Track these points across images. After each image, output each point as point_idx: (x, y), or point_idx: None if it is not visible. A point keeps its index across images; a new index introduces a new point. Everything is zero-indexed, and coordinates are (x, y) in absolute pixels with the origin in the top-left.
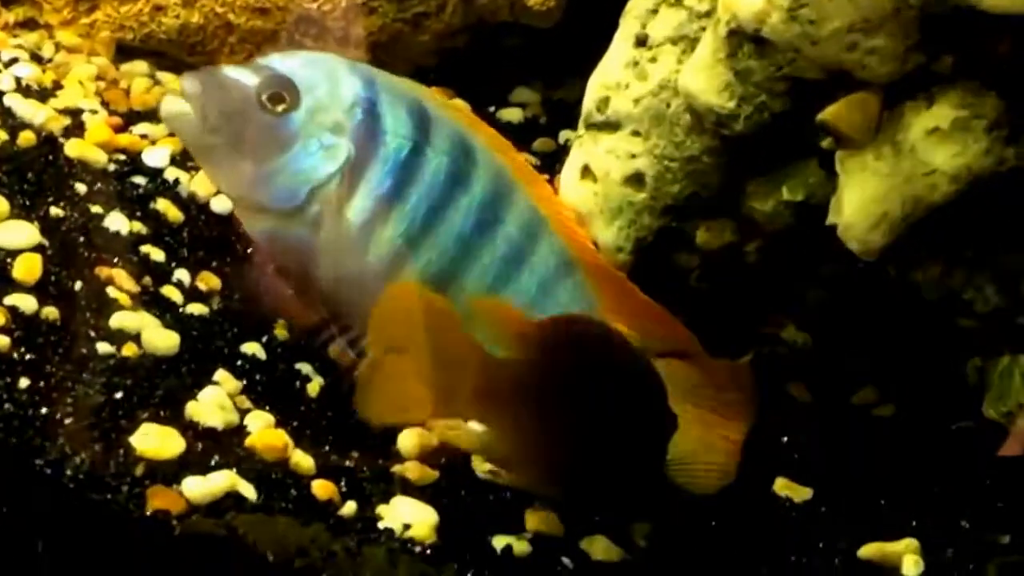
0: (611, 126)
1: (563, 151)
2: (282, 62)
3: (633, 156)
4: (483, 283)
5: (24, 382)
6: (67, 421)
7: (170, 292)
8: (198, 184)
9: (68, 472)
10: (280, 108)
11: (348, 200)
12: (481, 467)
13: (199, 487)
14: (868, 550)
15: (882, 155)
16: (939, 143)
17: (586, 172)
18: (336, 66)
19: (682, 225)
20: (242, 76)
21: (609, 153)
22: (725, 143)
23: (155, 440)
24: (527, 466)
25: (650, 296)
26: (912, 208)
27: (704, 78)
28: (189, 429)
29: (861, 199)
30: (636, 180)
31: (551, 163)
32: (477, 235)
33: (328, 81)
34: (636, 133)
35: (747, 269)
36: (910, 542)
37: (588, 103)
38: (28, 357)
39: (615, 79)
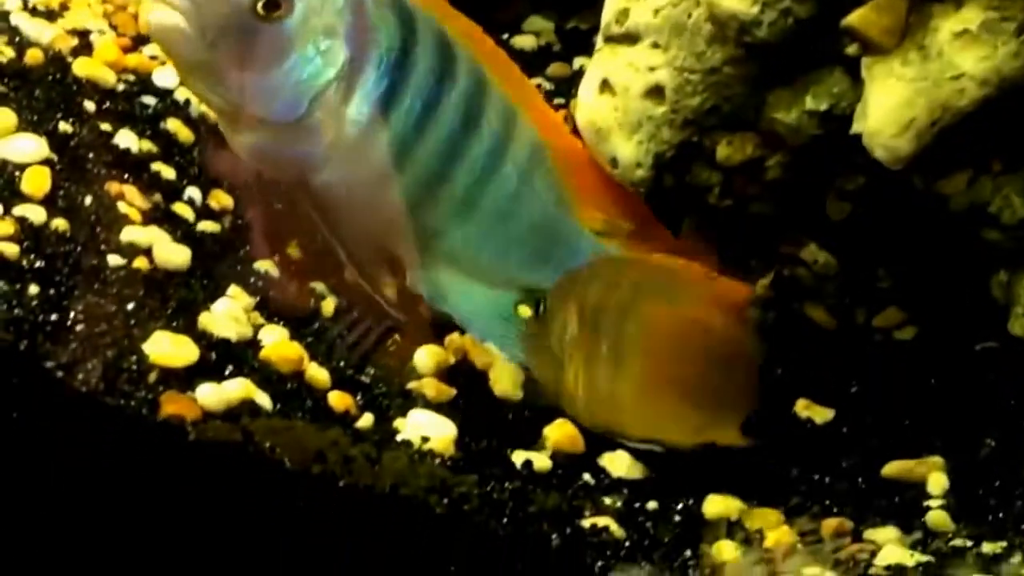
0: (630, 38)
1: (577, 76)
2: None
3: (653, 69)
4: (472, 177)
5: (34, 289)
6: (78, 328)
7: (181, 209)
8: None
9: (80, 376)
10: (275, 15)
11: (347, 105)
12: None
13: (214, 394)
14: (892, 468)
15: (909, 60)
16: (967, 46)
17: (604, 86)
18: None
19: (703, 139)
20: None
21: (628, 66)
22: (747, 52)
23: (168, 347)
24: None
25: (671, 214)
26: (940, 114)
27: None
28: (203, 339)
29: (887, 106)
30: (656, 93)
31: (566, 88)
32: (464, 130)
33: None
34: (656, 45)
35: (769, 185)
36: (935, 460)
37: (607, 15)
38: (38, 265)
39: None
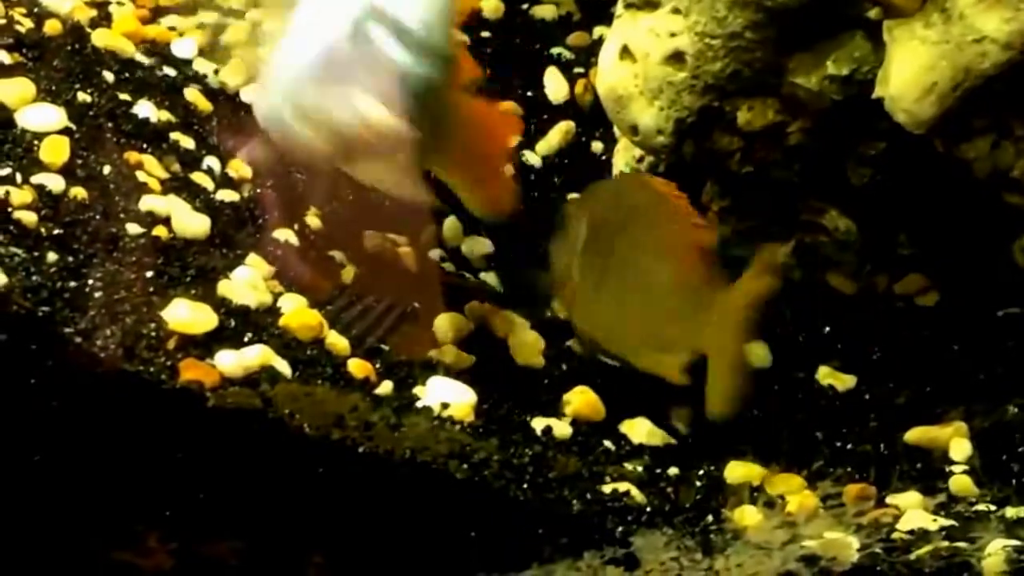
0: (651, 4)
1: (597, 46)
2: None
3: (673, 34)
4: None
5: (52, 256)
6: (96, 295)
7: (200, 178)
8: (227, 75)
9: (98, 343)
10: None
11: None
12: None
13: (233, 360)
14: (915, 434)
15: (931, 23)
16: (989, 9)
17: (625, 53)
18: None
19: (724, 105)
20: None
21: (649, 32)
22: (769, 16)
23: (187, 314)
24: None
25: (692, 181)
26: (962, 77)
27: None
28: (222, 307)
29: (909, 69)
30: (676, 59)
31: (586, 57)
32: None
33: None
34: (676, 11)
35: (790, 151)
36: (958, 426)
37: None
38: (56, 233)
39: None
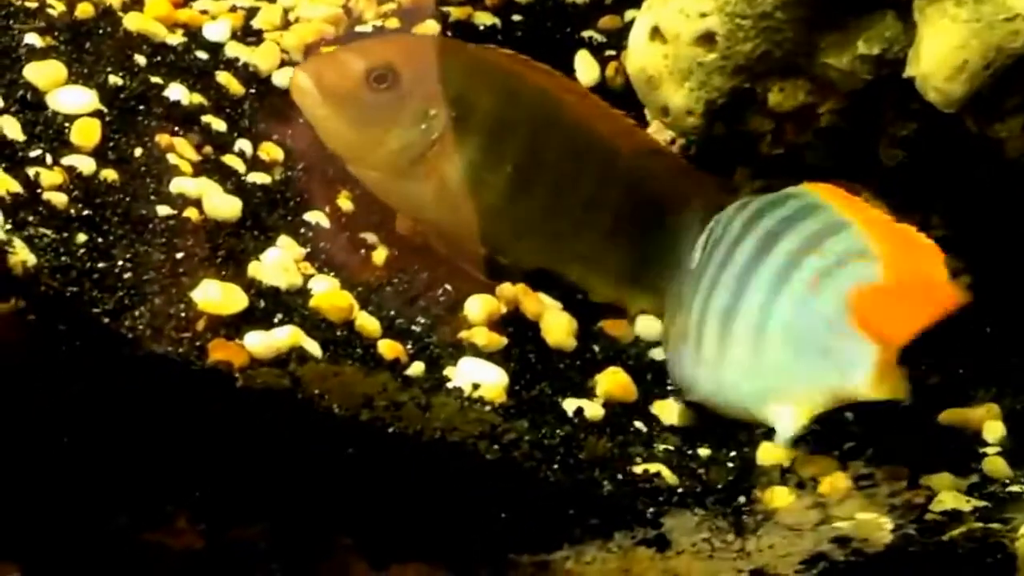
0: None
1: (628, 29)
2: None
3: (704, 15)
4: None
5: (81, 237)
6: (126, 276)
7: (232, 161)
8: (260, 58)
9: (127, 323)
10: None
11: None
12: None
13: (262, 341)
14: (948, 415)
15: (962, 1)
16: None
17: (655, 34)
18: None
19: (754, 86)
20: None
21: (679, 13)
22: None
23: (217, 295)
24: None
25: (722, 164)
26: (994, 56)
27: None
28: (252, 288)
29: (941, 48)
30: (707, 39)
31: (617, 41)
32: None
33: None
34: None
35: (821, 132)
36: (991, 407)
37: None
38: (86, 213)
39: None
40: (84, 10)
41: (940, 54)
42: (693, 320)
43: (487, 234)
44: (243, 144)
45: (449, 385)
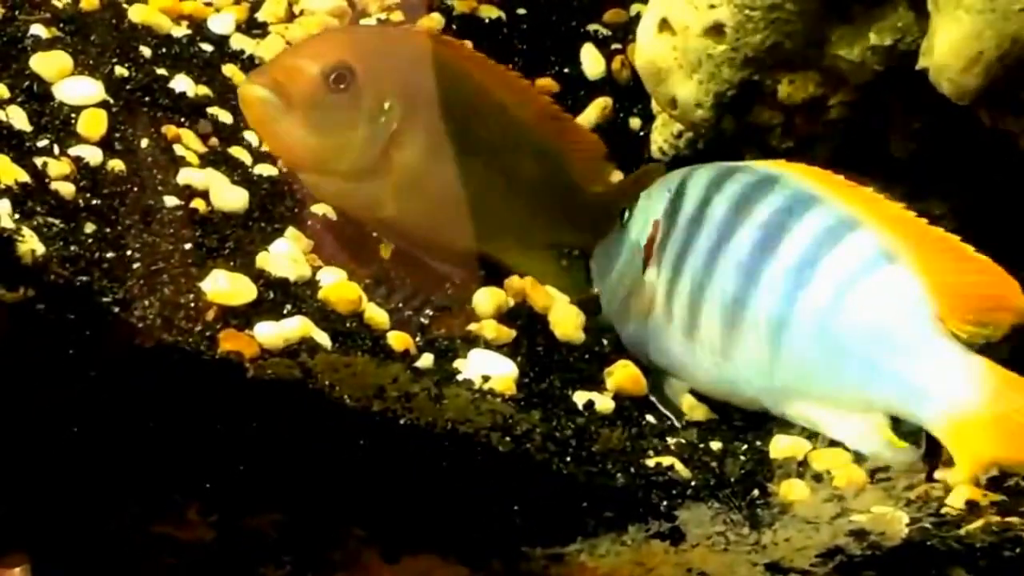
0: None
1: (634, 22)
2: None
3: (713, 6)
4: None
5: (89, 227)
6: (135, 266)
7: (239, 152)
8: (265, 50)
9: (136, 313)
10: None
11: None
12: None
13: (272, 332)
14: None
15: None
16: None
17: (664, 25)
18: None
19: (764, 78)
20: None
21: (688, 4)
22: None
23: (226, 285)
24: None
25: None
26: (1008, 47)
27: None
28: (260, 279)
29: (954, 38)
30: (716, 31)
31: (623, 34)
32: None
33: None
34: None
35: (831, 125)
36: None
37: None
38: (94, 203)
39: None
40: (89, 2)
41: (953, 45)
42: (660, 294)
43: (442, 223)
44: (249, 136)
45: (459, 377)
